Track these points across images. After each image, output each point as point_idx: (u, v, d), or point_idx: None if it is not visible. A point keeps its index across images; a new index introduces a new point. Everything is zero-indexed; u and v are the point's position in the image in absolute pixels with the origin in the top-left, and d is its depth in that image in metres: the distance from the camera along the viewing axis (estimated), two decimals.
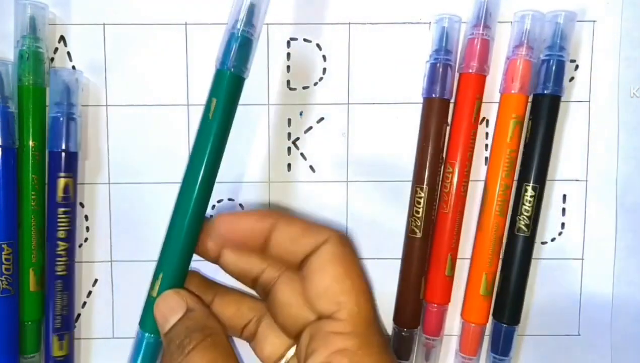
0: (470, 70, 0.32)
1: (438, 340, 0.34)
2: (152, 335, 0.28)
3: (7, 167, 0.31)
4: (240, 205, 0.34)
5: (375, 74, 0.34)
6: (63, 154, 0.32)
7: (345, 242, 0.28)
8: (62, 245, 0.32)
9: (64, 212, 0.32)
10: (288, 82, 0.34)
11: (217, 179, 0.34)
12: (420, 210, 0.32)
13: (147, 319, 0.28)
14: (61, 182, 0.32)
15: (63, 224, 0.32)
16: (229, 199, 0.34)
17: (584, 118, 0.34)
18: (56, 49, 0.33)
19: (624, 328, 0.35)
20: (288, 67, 0.34)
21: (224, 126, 0.28)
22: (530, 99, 0.32)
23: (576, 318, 0.35)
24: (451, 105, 0.33)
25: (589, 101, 0.34)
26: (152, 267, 0.34)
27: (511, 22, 0.33)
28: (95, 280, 0.34)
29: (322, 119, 0.34)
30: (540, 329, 0.35)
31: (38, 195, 0.32)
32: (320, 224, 0.29)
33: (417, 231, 0.33)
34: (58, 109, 0.32)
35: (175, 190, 0.34)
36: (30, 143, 0.32)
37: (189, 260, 0.29)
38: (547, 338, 0.35)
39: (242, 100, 0.34)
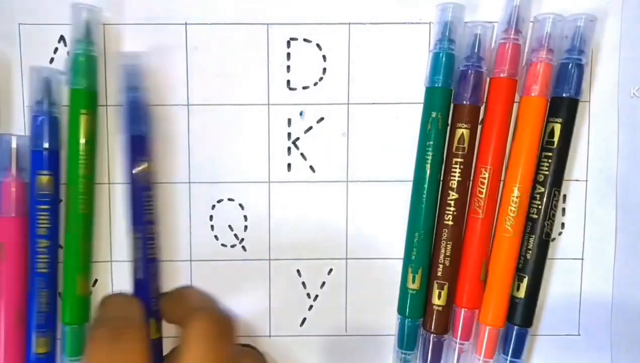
0: (502, 75, 0.32)
1: (468, 344, 0.34)
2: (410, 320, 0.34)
3: (50, 169, 0.32)
4: (240, 205, 0.34)
5: (375, 74, 0.34)
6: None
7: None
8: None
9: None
10: (288, 82, 0.34)
11: (217, 179, 0.34)
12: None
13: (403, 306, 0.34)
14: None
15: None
16: (229, 199, 0.34)
17: (584, 118, 0.34)
18: (56, 49, 0.33)
19: (624, 328, 0.35)
20: (288, 67, 0.34)
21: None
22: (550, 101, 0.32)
23: (576, 318, 0.35)
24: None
25: (589, 101, 0.34)
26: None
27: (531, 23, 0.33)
28: (96, 280, 0.34)
29: (322, 119, 0.34)
30: (540, 329, 0.35)
31: (86, 199, 0.32)
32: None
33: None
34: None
35: (174, 190, 0.34)
36: (81, 146, 0.32)
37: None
38: (547, 338, 0.35)
39: (242, 100, 0.34)
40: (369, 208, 0.34)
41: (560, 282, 0.35)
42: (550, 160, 0.32)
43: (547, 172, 0.32)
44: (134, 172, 0.31)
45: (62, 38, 0.33)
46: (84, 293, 0.33)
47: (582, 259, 0.35)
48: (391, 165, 0.34)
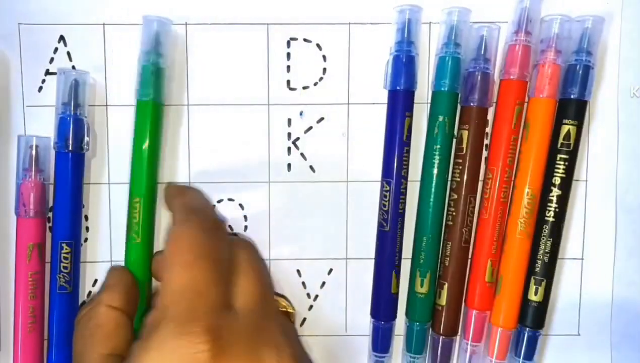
0: (512, 77, 0.32)
1: (479, 346, 0.34)
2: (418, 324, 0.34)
3: (75, 171, 0.32)
4: (240, 205, 0.34)
5: (375, 74, 0.34)
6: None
7: None
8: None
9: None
10: (288, 82, 0.34)
11: (217, 179, 0.34)
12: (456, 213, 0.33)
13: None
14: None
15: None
16: (229, 199, 0.34)
17: (584, 118, 0.34)
18: (56, 49, 0.33)
19: (624, 328, 0.35)
20: (288, 67, 0.34)
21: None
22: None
23: (576, 318, 0.35)
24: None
25: (589, 101, 0.34)
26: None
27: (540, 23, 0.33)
28: (95, 280, 0.34)
29: (322, 119, 0.34)
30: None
31: (149, 206, 0.32)
32: None
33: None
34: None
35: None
36: (145, 157, 0.32)
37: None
38: (547, 338, 0.35)
39: (242, 100, 0.34)
40: (368, 208, 0.34)
41: (560, 282, 0.35)
42: (566, 163, 0.32)
43: (563, 175, 0.32)
44: (398, 124, 0.32)
45: (62, 38, 0.33)
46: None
47: (582, 259, 0.35)
48: None
